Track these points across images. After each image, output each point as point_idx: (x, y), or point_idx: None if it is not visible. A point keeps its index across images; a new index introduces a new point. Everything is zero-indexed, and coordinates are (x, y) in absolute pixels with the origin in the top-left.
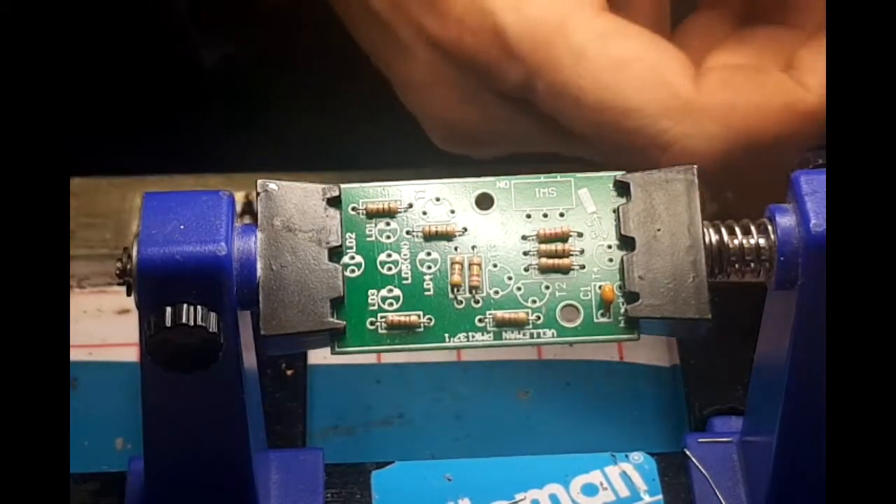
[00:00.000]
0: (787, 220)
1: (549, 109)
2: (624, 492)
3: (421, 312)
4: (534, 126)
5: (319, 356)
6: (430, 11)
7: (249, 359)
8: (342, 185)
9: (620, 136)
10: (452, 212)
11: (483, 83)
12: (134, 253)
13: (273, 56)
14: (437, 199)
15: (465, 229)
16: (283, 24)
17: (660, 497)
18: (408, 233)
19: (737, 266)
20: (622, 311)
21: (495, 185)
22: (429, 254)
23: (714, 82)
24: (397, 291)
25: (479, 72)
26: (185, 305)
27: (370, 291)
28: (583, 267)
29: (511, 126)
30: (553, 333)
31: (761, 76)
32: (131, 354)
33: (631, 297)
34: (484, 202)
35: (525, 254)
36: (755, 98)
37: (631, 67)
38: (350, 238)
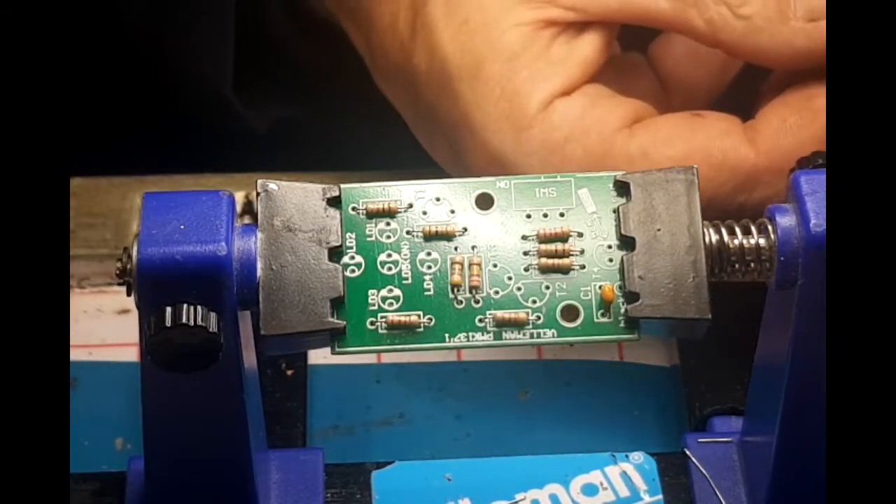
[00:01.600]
0: (787, 220)
1: None
2: (624, 492)
3: (421, 312)
4: None
5: (319, 356)
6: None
7: (249, 359)
8: (342, 185)
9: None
10: (452, 212)
11: None
12: (134, 253)
13: (273, 58)
14: (437, 199)
15: (465, 229)
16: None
17: (660, 497)
18: (408, 233)
19: (737, 266)
20: (622, 311)
21: (495, 184)
22: (429, 254)
23: (770, 132)
24: (397, 291)
25: None
26: (185, 305)
27: (370, 291)
28: (583, 267)
29: None
30: (553, 333)
31: (815, 111)
32: (131, 354)
33: (631, 297)
34: (484, 202)
35: (525, 254)
36: (816, 130)
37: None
38: (350, 238)
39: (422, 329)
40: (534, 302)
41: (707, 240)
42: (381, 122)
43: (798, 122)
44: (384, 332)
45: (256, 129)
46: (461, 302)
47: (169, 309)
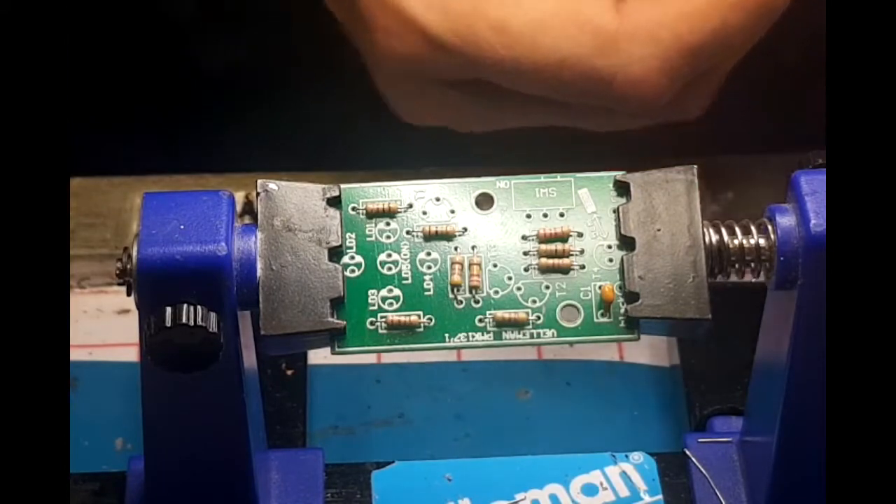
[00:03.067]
0: (787, 220)
1: (503, 84)
2: (624, 492)
3: (421, 312)
4: (504, 102)
5: (319, 356)
6: (363, 28)
7: (249, 359)
8: (342, 185)
9: (567, 88)
10: (452, 212)
11: (437, 81)
12: (134, 253)
13: (274, 57)
14: (437, 199)
15: (465, 229)
16: (284, 26)
17: (660, 497)
18: (408, 233)
19: (737, 266)
20: (622, 311)
21: (495, 185)
22: (429, 254)
23: (635, 3)
24: (397, 291)
25: (425, 74)
26: (185, 305)
27: (370, 291)
28: (583, 267)
29: (485, 107)
30: (553, 333)
31: None
32: (131, 354)
33: (631, 297)
34: (484, 202)
35: (525, 254)
36: (677, 3)
37: (552, 22)
38: (350, 238)
39: (422, 329)
40: (534, 302)
41: (707, 240)
42: (380, 122)
43: None
44: (384, 332)
45: (207, 66)
46: (461, 302)
47: (169, 309)
